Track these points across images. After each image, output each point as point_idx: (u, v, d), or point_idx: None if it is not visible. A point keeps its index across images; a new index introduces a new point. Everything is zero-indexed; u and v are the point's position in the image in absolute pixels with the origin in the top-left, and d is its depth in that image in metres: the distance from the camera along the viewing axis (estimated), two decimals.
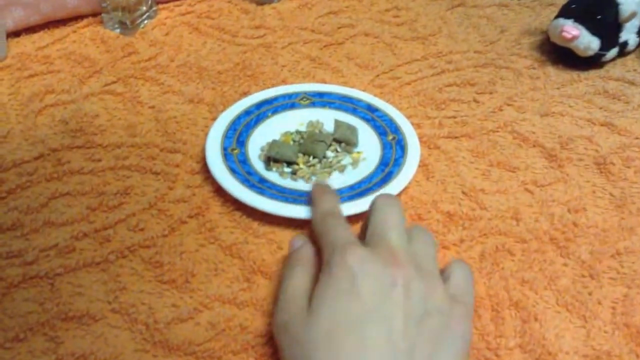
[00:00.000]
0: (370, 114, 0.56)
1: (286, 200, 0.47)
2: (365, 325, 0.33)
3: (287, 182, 0.50)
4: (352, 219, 0.45)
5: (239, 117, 0.55)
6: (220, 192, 0.49)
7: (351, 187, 0.49)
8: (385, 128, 0.55)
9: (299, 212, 0.46)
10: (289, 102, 0.58)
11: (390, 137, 0.53)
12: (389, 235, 0.37)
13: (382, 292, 0.34)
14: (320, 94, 0.58)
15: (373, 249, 0.36)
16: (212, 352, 0.39)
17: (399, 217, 0.39)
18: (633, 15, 0.63)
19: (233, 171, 0.49)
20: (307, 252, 0.40)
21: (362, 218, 0.45)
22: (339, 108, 0.57)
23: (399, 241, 0.37)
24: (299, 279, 0.38)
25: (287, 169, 0.51)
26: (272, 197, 0.47)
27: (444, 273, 0.39)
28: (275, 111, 0.56)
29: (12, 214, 0.47)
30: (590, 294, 0.43)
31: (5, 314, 0.40)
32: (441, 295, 0.36)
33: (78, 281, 0.43)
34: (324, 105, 0.58)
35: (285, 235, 0.47)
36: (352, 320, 0.33)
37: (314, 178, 0.51)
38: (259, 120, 0.55)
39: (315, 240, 0.41)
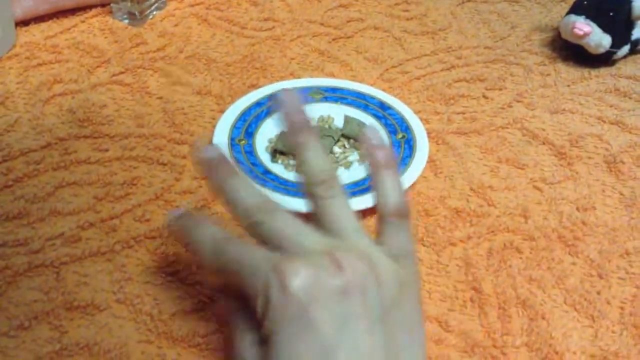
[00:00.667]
0: (382, 112, 0.56)
1: (288, 193, 0.47)
2: (333, 357, 0.28)
3: (292, 176, 0.50)
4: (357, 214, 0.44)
5: (249, 109, 0.55)
6: None
7: (356, 184, 0.49)
8: (395, 126, 0.54)
9: (300, 205, 0.45)
10: (301, 96, 0.57)
11: (400, 136, 0.53)
12: (304, 236, 0.32)
13: (339, 312, 0.29)
14: (333, 89, 0.58)
15: (306, 258, 0.30)
16: (217, 344, 0.39)
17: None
18: None
19: (238, 162, 0.49)
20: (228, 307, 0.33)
21: (367, 214, 0.44)
22: (351, 104, 0.57)
23: (323, 237, 0.33)
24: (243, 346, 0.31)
25: (293, 162, 0.51)
26: (274, 189, 0.47)
27: (378, 228, 0.35)
28: None
29: (18, 203, 0.47)
30: (598, 293, 0.43)
31: (10, 302, 0.40)
32: (391, 277, 0.31)
33: (83, 271, 0.43)
34: (336, 100, 0.57)
35: None
36: (317, 358, 0.28)
37: None
38: (269, 112, 0.55)
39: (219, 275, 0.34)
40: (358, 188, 0.48)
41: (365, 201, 0.46)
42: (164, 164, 0.51)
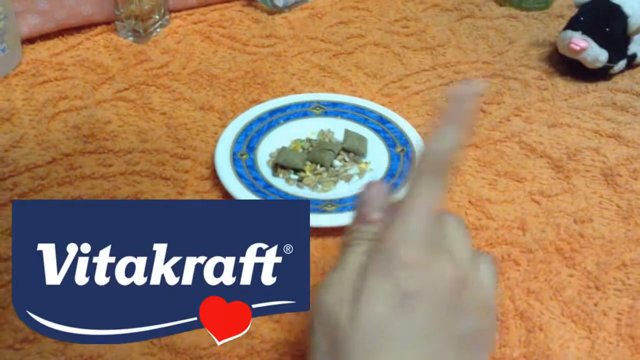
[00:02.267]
0: (382, 126, 0.57)
1: None
2: (409, 347, 0.30)
3: (293, 189, 0.51)
4: None
5: (251, 124, 0.56)
6: (228, 198, 0.50)
7: (356, 197, 0.49)
8: (394, 140, 0.55)
9: None
10: (302, 111, 0.58)
11: (399, 149, 0.54)
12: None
13: (436, 315, 0.31)
14: (333, 104, 0.59)
15: (432, 254, 0.32)
16: (218, 356, 0.39)
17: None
18: None
19: (240, 176, 0.50)
20: (370, 232, 0.35)
21: None
22: (350, 118, 0.58)
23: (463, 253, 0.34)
24: (353, 263, 0.33)
25: (294, 176, 0.52)
26: None
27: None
28: (288, 119, 0.57)
29: None
30: (595, 305, 0.43)
31: (15, 315, 0.41)
32: (473, 296, 0.33)
33: None
34: (336, 114, 0.58)
35: None
36: (396, 338, 0.30)
37: (319, 186, 0.51)
38: (270, 127, 0.56)
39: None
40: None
41: None
42: (167, 179, 0.52)
